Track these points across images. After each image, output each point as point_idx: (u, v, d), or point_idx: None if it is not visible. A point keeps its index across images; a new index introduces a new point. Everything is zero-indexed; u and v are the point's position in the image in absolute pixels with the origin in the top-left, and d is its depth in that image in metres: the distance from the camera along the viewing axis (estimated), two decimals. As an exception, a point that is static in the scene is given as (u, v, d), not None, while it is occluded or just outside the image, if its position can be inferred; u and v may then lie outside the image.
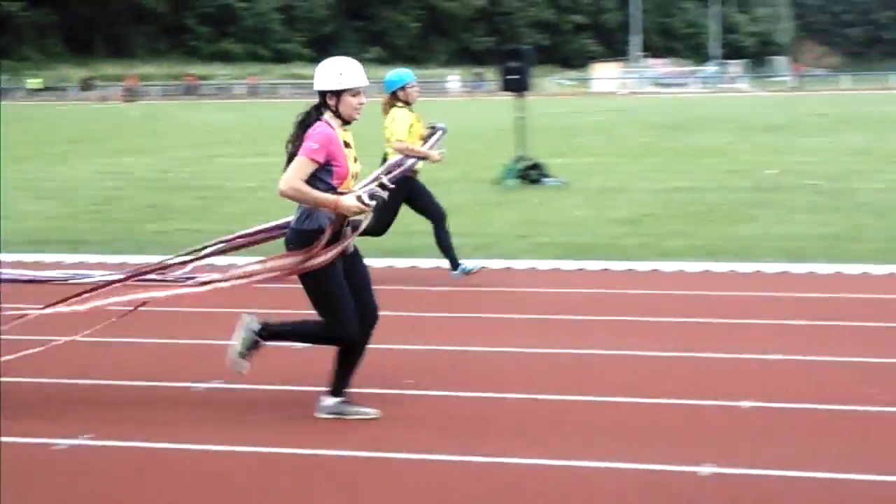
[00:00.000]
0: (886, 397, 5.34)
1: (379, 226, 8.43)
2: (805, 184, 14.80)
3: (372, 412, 5.26)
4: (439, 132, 8.38)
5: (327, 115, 5.22)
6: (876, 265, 8.93)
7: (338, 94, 5.20)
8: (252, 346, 5.27)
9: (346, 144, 5.21)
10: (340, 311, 5.12)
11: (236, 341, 5.25)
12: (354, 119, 5.28)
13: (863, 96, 50.21)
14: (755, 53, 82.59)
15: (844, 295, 7.89)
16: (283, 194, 5.04)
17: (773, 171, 16.83)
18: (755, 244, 10.09)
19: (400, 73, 9.09)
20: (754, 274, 8.80)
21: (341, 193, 5.05)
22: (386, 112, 8.95)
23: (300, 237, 5.14)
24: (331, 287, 5.12)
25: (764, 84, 68.82)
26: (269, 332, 5.29)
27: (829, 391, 5.49)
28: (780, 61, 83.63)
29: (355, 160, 5.25)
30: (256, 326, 5.26)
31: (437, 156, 8.53)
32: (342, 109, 5.22)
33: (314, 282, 5.11)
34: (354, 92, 5.22)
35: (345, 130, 5.24)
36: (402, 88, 8.94)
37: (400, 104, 8.94)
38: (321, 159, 5.06)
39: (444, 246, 8.80)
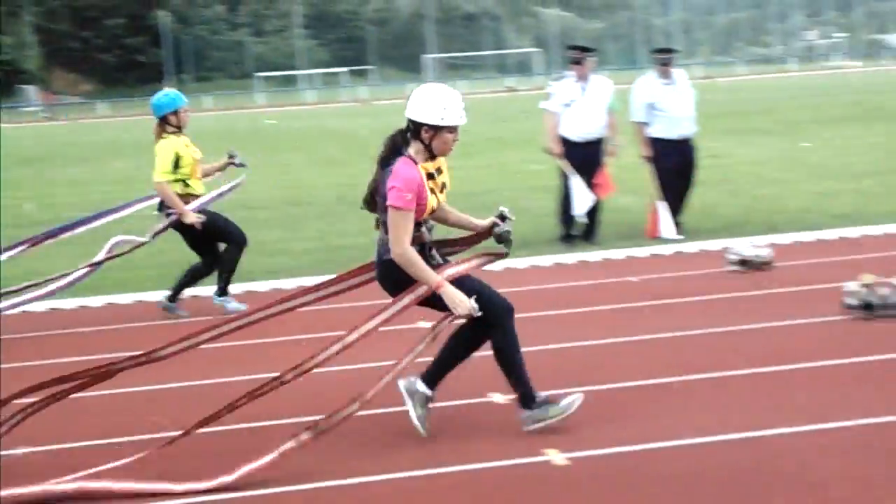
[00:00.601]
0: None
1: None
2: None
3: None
4: (234, 184, 8.34)
5: (413, 149, 5.10)
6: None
7: (436, 128, 5.05)
8: (425, 402, 5.31)
9: (430, 176, 5.10)
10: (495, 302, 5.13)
11: (410, 409, 5.30)
12: (445, 155, 5.16)
13: (121, 122, 51.85)
14: (3, 83, 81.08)
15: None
16: (398, 259, 4.99)
17: (30, 205, 17.01)
18: None
19: (171, 95, 8.46)
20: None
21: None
22: (157, 140, 8.35)
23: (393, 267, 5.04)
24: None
25: (15, 115, 67.91)
26: (430, 378, 5.32)
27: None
28: (30, 90, 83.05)
29: (442, 189, 5.21)
30: (419, 385, 5.30)
31: (194, 218, 8.18)
32: (436, 145, 5.10)
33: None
34: (453, 129, 5.08)
35: (428, 160, 5.11)
36: (175, 112, 8.35)
37: (171, 129, 8.32)
38: (414, 206, 4.97)
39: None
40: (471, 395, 5.99)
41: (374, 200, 5.24)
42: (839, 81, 50.50)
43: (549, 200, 12.56)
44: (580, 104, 11.30)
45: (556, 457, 5.06)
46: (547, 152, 11.64)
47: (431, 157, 5.18)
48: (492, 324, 5.18)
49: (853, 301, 7.60)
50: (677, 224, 11.48)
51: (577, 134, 11.33)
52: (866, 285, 7.59)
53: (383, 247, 5.18)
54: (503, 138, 26.86)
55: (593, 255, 10.77)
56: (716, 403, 5.81)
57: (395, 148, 5.16)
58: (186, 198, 8.48)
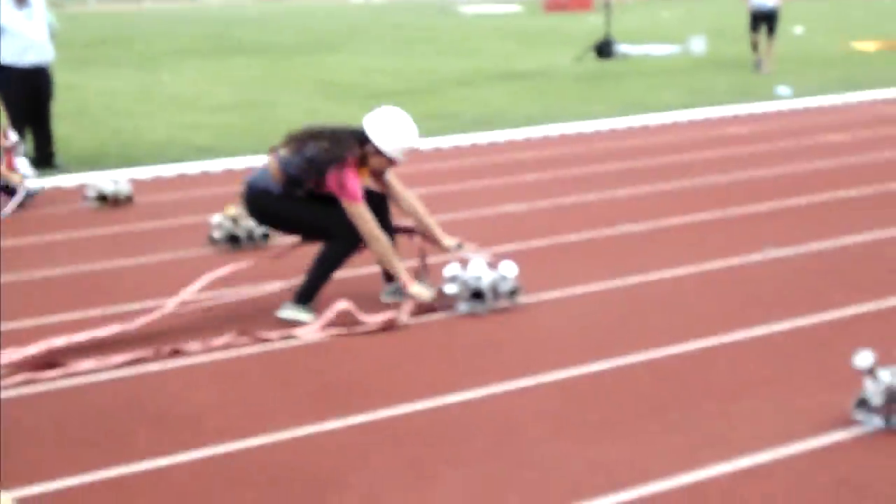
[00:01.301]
0: None
1: None
2: None
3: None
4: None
5: (351, 157, 5.98)
6: None
7: (383, 154, 6.05)
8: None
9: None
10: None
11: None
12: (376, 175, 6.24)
13: None
14: None
15: None
16: (373, 248, 6.03)
17: None
18: None
19: None
20: None
21: None
22: None
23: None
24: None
25: None
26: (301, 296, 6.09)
27: None
28: None
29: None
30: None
31: None
32: (375, 165, 6.12)
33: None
34: (397, 161, 6.11)
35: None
36: None
37: None
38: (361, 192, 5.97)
39: None
40: None
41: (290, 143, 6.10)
42: (197, 14, 51.49)
43: None
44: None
45: None
46: None
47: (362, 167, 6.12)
48: (339, 238, 6.09)
49: (219, 234, 7.80)
50: (51, 154, 11.14)
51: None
52: (232, 218, 7.82)
53: (268, 179, 6.09)
54: None
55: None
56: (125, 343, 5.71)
57: (343, 146, 5.99)
58: None
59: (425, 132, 11.01)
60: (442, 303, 6.24)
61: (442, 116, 14.34)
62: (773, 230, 7.93)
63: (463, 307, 6.21)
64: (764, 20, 18.49)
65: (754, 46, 18.80)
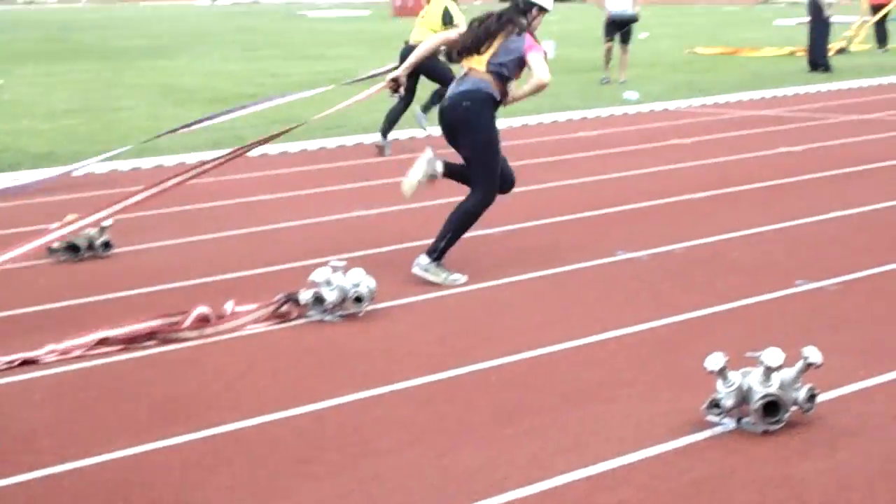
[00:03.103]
0: None
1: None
2: None
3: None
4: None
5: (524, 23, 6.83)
6: None
7: (544, 11, 6.91)
8: (431, 178, 6.85)
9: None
10: (495, 177, 6.86)
11: (418, 172, 6.80)
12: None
13: None
14: None
15: None
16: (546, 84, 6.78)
17: None
18: None
19: None
20: None
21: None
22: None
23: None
24: (495, 154, 6.85)
25: None
26: (449, 169, 6.90)
27: None
28: None
29: None
30: (439, 165, 6.84)
31: None
32: (535, 25, 6.91)
33: (483, 143, 6.79)
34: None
35: None
36: None
37: None
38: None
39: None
40: None
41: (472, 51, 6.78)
42: (35, 17, 50.06)
43: None
44: None
45: None
46: None
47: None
48: (480, 190, 6.84)
49: (58, 244, 7.52)
50: None
51: None
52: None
53: (488, 85, 6.75)
54: None
55: None
56: None
57: (518, 18, 6.80)
58: None
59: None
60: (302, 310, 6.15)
61: (287, 122, 14.14)
62: (624, 232, 8.02)
63: (313, 314, 6.10)
64: (619, 28, 18.50)
65: (607, 56, 18.64)
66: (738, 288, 6.59)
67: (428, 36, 9.50)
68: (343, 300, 6.11)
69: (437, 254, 6.80)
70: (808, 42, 19.54)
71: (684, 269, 7.14)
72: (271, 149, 11.74)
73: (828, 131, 12.79)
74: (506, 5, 6.93)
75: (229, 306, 6.12)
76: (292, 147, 12.34)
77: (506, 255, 7.50)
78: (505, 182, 6.98)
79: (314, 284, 6.12)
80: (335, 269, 6.18)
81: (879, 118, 13.65)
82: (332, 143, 12.72)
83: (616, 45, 18.59)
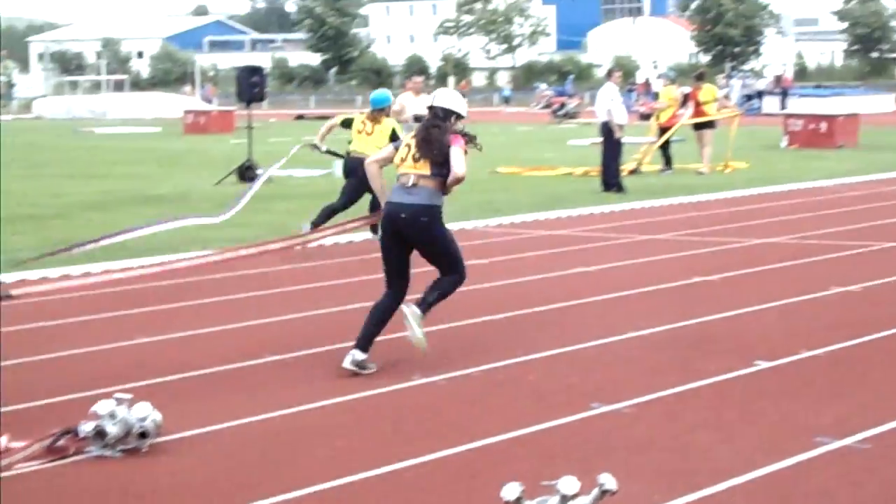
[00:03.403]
0: None
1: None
2: None
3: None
4: None
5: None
6: None
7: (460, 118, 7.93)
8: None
9: None
10: (462, 256, 8.06)
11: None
12: None
13: None
14: None
15: None
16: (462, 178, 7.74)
17: None
18: None
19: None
20: None
21: None
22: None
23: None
24: (455, 243, 8.05)
25: None
26: (427, 306, 7.73)
27: None
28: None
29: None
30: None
31: None
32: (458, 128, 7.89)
33: (443, 244, 7.92)
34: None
35: None
36: None
37: None
38: None
39: None
40: None
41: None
42: None
43: None
44: None
45: None
46: None
47: None
48: (460, 273, 7.99)
49: None
50: None
51: None
52: None
53: (433, 194, 7.77)
54: None
55: None
56: None
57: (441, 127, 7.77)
58: None
59: (51, 262, 10.56)
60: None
61: (66, 242, 13.76)
62: (419, 357, 8.01)
63: (93, 450, 5.86)
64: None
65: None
66: (536, 412, 6.66)
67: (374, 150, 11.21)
68: (127, 434, 5.89)
69: (426, 306, 7.75)
70: (601, 162, 20.24)
71: (481, 393, 7.17)
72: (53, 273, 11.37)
73: (620, 251, 13.20)
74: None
75: (2, 441, 5.83)
76: (74, 270, 11.99)
77: (305, 378, 7.40)
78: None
79: (96, 416, 5.89)
80: (119, 401, 5.97)
81: (670, 238, 14.18)
82: (116, 265, 12.42)
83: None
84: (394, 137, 12.46)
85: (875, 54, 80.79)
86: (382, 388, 7.22)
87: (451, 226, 15.98)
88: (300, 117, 57.50)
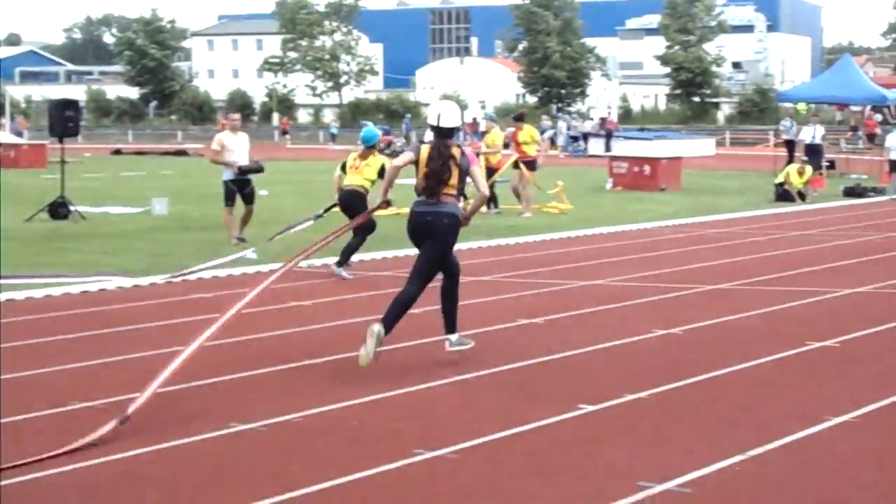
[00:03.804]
0: None
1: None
2: None
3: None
4: None
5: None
6: None
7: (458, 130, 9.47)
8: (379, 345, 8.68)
9: None
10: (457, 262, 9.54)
11: (370, 346, 8.59)
12: None
13: None
14: None
15: None
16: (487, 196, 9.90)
17: None
18: None
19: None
20: None
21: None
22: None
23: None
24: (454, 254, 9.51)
25: None
26: (387, 325, 8.90)
27: None
28: None
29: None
30: (381, 329, 8.74)
31: None
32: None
33: (440, 252, 9.26)
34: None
35: None
36: None
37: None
38: None
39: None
40: None
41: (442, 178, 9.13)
42: None
43: None
44: None
45: None
46: None
47: None
48: (456, 275, 9.42)
49: None
50: None
51: None
52: None
53: (455, 206, 9.23)
54: None
55: None
56: None
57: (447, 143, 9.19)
58: None
59: None
60: None
61: None
62: (236, 402, 7.87)
63: None
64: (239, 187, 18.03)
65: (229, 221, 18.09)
66: (358, 458, 6.60)
67: (363, 183, 14.39)
68: None
69: (454, 326, 9.35)
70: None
71: (303, 439, 7.08)
72: None
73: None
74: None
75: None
76: None
77: (179, 411, 7.21)
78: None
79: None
80: None
81: (494, 280, 14.32)
82: (20, 294, 11.89)
83: (238, 206, 18.35)
84: (381, 173, 14.08)
85: (697, 99, 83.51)
86: (199, 436, 7.07)
87: (275, 265, 15.85)
88: (117, 152, 56.45)
